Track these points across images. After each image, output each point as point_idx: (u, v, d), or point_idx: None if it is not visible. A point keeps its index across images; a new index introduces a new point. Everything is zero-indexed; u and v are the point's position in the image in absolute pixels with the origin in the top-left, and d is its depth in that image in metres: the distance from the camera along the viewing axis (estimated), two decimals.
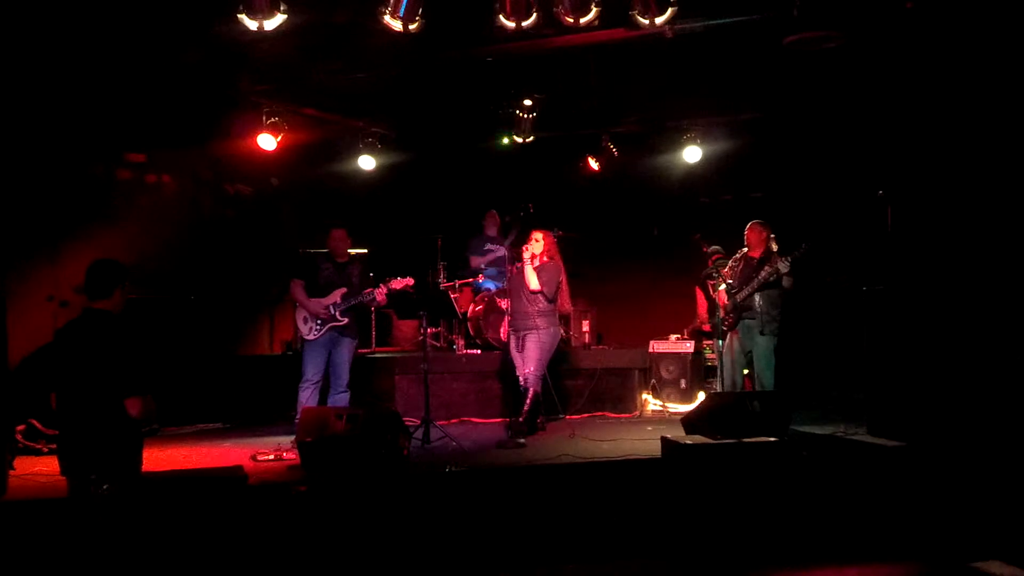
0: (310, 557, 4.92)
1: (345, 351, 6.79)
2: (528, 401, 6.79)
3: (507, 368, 7.37)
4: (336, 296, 6.72)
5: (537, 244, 6.91)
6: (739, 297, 7.13)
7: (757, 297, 7.05)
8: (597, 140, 9.44)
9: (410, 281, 6.69)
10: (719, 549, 4.98)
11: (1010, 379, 5.63)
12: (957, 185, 7.15)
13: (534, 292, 6.82)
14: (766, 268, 7.02)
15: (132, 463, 4.02)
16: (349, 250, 7.02)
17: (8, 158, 6.81)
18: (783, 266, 6.88)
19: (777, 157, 8.81)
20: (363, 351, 8.79)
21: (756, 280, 7.05)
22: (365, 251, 9.32)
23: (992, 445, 5.50)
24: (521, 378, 6.87)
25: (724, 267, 7.38)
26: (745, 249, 7.33)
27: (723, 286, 7.22)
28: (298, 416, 6.45)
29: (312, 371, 6.70)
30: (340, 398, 6.74)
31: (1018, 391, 5.57)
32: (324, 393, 6.82)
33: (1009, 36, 6.30)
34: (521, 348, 6.88)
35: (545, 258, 6.93)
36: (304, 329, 6.77)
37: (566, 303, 7.29)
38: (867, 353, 6.81)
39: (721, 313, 7.27)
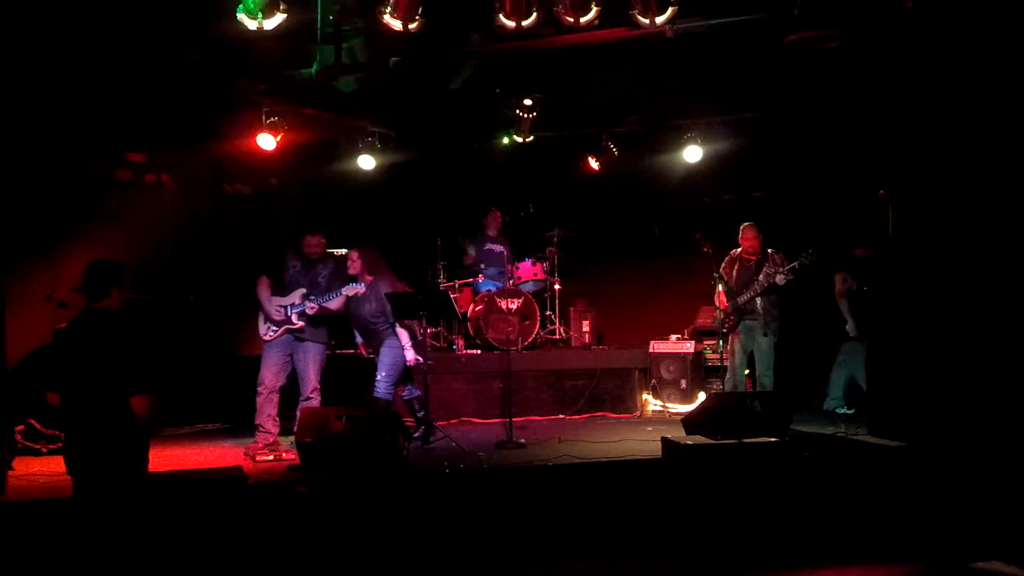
0: (310, 557, 4.91)
1: (308, 358, 6.41)
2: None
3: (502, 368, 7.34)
4: (295, 297, 6.40)
5: (353, 264, 6.73)
6: (741, 300, 7.13)
7: (759, 299, 7.06)
8: (597, 140, 9.42)
9: (361, 289, 6.42)
10: (720, 549, 4.98)
11: (1011, 379, 5.62)
12: (959, 185, 7.14)
13: (373, 315, 6.71)
14: (765, 271, 7.03)
15: (138, 463, 4.00)
16: (330, 250, 6.81)
17: (7, 157, 6.80)
18: (780, 279, 6.90)
19: (778, 157, 8.79)
20: (364, 351, 8.77)
21: (758, 283, 7.05)
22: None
23: (993, 445, 5.50)
24: (375, 389, 6.73)
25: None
26: (738, 250, 7.34)
27: (722, 287, 7.21)
28: (260, 425, 6.35)
29: (269, 377, 6.35)
30: (306, 405, 6.36)
31: (1018, 392, 5.56)
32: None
33: (1009, 35, 6.30)
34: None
35: (368, 277, 6.72)
36: (262, 329, 6.43)
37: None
38: (868, 353, 6.81)
39: (721, 316, 7.27)
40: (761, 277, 7.03)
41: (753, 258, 7.21)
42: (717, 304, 7.27)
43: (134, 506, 3.97)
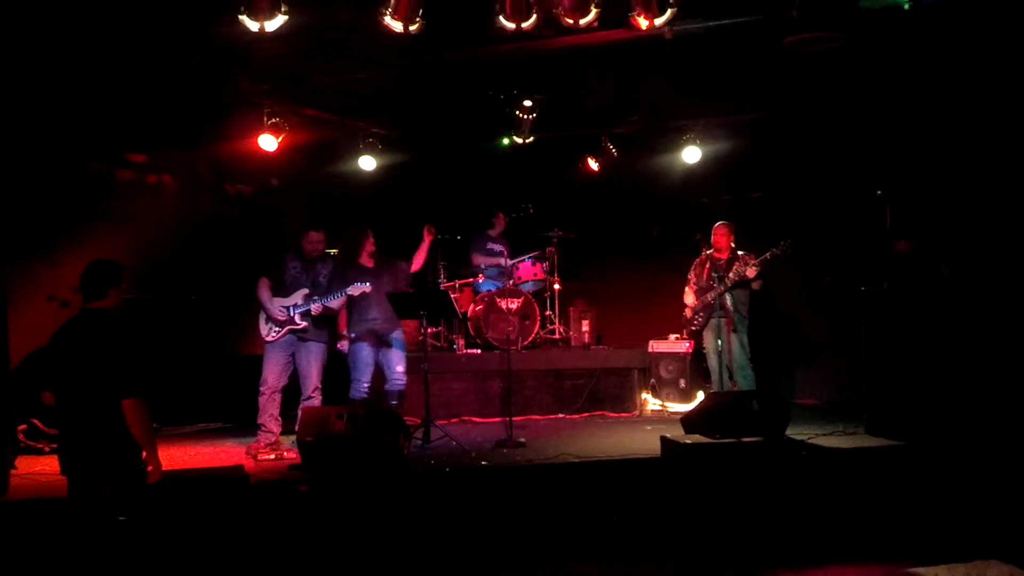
0: (311, 556, 4.93)
1: (311, 358, 6.47)
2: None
3: (501, 367, 7.34)
4: (297, 297, 6.43)
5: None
6: (709, 297, 7.21)
7: (727, 297, 7.13)
8: (597, 140, 9.43)
9: (367, 288, 6.44)
10: (718, 548, 5.00)
11: (1009, 378, 5.63)
12: (956, 185, 7.16)
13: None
14: (735, 268, 7.10)
15: (134, 464, 4.02)
16: (329, 250, 6.89)
17: (8, 157, 6.82)
18: (751, 272, 6.97)
19: (777, 157, 8.81)
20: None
21: (728, 279, 7.14)
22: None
23: (991, 445, 5.51)
24: (397, 381, 6.89)
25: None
26: (710, 251, 7.41)
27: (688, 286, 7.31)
28: (263, 425, 6.38)
29: (272, 377, 6.40)
30: (308, 404, 6.40)
31: (1017, 390, 5.58)
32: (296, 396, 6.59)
33: (1009, 36, 6.32)
34: (382, 351, 6.88)
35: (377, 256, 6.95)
36: (264, 330, 6.46)
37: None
38: (865, 353, 6.82)
39: (688, 313, 7.36)
40: (731, 273, 7.12)
41: (724, 257, 7.29)
42: (685, 302, 7.38)
43: (130, 507, 3.98)
